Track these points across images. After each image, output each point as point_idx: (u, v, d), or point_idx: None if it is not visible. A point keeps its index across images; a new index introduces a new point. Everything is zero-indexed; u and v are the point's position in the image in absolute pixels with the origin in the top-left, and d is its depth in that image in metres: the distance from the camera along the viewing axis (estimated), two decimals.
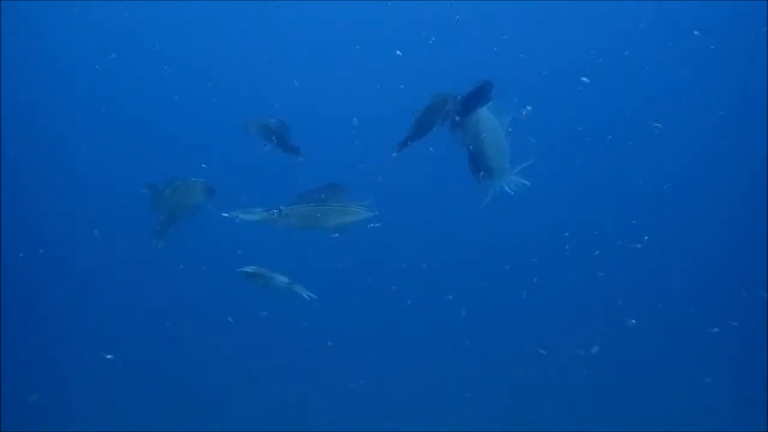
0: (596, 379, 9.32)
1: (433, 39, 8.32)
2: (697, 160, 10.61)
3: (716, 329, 9.00)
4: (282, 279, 4.97)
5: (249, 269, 4.93)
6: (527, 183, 4.76)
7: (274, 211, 4.55)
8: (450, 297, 9.57)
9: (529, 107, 4.63)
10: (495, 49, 9.81)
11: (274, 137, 6.04)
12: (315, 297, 4.95)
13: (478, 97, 4.55)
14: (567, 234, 9.93)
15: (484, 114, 4.64)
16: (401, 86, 9.18)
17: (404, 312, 9.65)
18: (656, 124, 8.85)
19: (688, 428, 8.60)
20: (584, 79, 8.83)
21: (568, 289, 10.02)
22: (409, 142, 4.76)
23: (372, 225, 4.64)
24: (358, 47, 10.41)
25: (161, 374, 9.16)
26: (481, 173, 4.66)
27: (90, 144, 10.35)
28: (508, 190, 4.75)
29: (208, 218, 7.64)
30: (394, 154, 4.75)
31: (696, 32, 8.98)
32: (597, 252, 10.03)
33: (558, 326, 9.74)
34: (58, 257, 9.70)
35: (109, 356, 8.19)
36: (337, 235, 4.71)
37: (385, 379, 9.30)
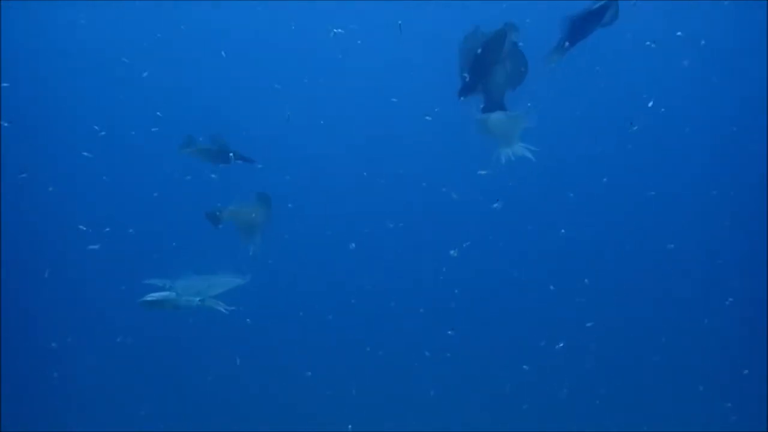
0: (596, 380, 9.32)
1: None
2: (697, 160, 10.60)
3: (717, 334, 9.05)
4: (191, 299, 5.03)
5: (151, 298, 5.00)
6: (532, 151, 4.72)
7: (170, 287, 5.26)
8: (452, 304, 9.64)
9: (528, 104, 4.54)
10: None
11: (231, 153, 6.08)
12: (234, 308, 5.19)
13: (597, 17, 4.05)
14: (565, 234, 9.93)
15: (497, 117, 4.54)
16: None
17: (404, 314, 9.67)
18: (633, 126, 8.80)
19: (689, 428, 8.60)
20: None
21: (567, 288, 10.01)
22: (470, 87, 4.35)
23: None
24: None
25: (161, 374, 9.16)
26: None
27: (89, 144, 10.33)
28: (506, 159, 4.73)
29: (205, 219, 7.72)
30: (461, 98, 4.39)
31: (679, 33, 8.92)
32: (596, 253, 10.05)
33: (557, 326, 9.73)
34: (58, 257, 9.69)
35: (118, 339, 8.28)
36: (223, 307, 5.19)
37: (385, 380, 9.31)
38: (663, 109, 9.71)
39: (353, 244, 9.13)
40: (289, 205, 8.75)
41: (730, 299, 9.39)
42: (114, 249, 9.55)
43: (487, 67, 4.21)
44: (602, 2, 4.00)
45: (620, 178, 10.41)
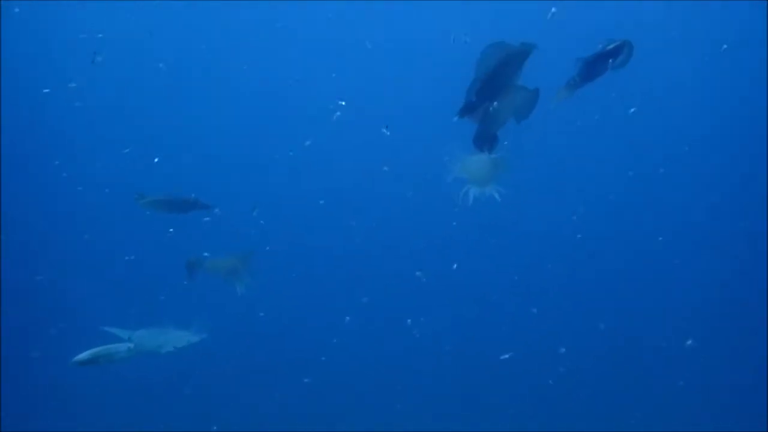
0: (597, 380, 9.32)
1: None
2: (697, 160, 10.60)
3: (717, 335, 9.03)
4: (124, 348, 5.08)
5: (83, 357, 4.92)
6: (499, 193, 4.70)
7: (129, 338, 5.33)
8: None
9: (505, 142, 4.46)
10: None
11: (194, 198, 5.94)
12: (173, 350, 5.39)
13: (611, 58, 3.96)
14: (563, 234, 9.94)
15: (478, 159, 4.49)
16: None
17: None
18: None
19: (689, 428, 8.59)
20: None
21: (567, 289, 10.02)
22: (473, 107, 4.11)
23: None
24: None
25: (160, 375, 9.13)
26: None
27: (89, 147, 10.34)
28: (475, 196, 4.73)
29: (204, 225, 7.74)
30: (455, 119, 4.19)
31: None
32: (596, 253, 10.06)
33: (557, 328, 9.74)
34: (58, 257, 9.70)
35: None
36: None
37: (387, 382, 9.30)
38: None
39: (365, 298, 9.24)
40: (267, 248, 8.73)
41: (731, 300, 9.40)
42: (111, 251, 9.58)
43: (497, 86, 4.05)
44: (616, 44, 3.98)
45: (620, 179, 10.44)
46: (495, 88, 4.04)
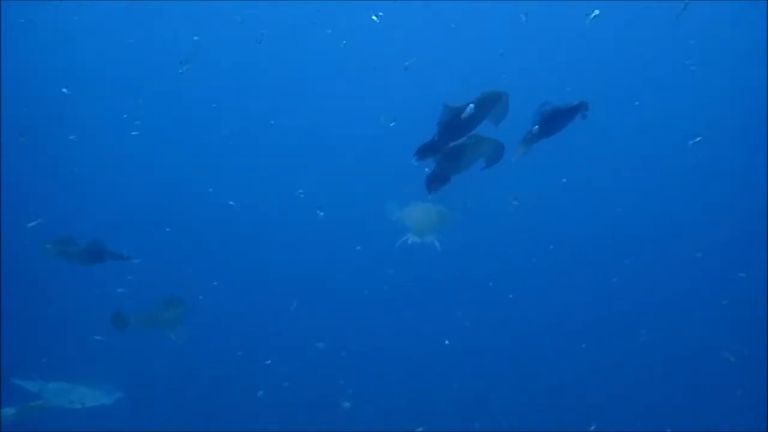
0: (597, 380, 9.32)
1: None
2: (697, 161, 10.60)
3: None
4: (9, 413, 5.09)
5: (8, 412, 4.94)
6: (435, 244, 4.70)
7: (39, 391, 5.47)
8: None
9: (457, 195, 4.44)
10: None
11: (108, 249, 5.64)
12: (81, 407, 5.48)
13: (568, 116, 4.00)
14: (563, 234, 9.95)
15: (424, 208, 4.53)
16: None
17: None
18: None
19: (688, 428, 8.59)
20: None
21: (568, 290, 10.02)
22: (432, 149, 4.08)
23: None
24: None
25: (159, 374, 9.14)
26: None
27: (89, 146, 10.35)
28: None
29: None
30: (414, 163, 4.16)
31: None
32: (595, 252, 10.07)
33: (557, 327, 9.74)
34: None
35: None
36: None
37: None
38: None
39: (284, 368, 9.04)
40: (200, 297, 8.62)
41: (730, 300, 9.39)
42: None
43: (461, 129, 4.00)
44: (573, 104, 3.99)
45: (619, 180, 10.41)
46: (458, 131, 3.99)
